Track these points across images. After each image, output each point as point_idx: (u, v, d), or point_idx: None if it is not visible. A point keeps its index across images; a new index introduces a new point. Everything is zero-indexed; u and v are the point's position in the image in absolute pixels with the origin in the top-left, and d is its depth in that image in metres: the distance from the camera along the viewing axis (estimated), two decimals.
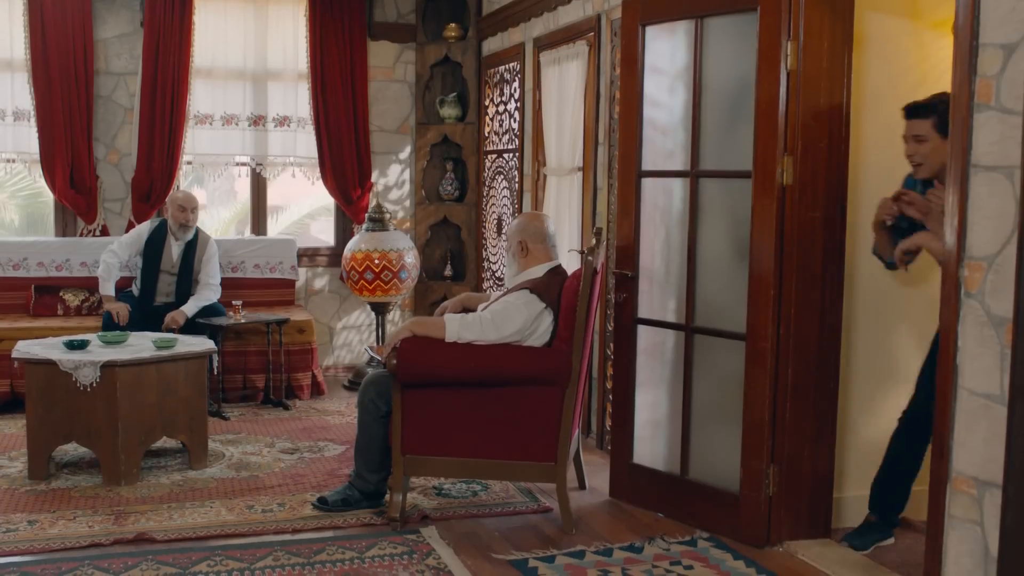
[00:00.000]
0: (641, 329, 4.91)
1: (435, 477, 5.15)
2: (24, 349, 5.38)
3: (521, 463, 4.62)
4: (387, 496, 4.72)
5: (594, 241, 4.75)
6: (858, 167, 4.54)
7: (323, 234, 9.43)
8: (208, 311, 6.81)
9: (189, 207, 6.84)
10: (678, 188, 4.75)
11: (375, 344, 7.69)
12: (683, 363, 4.69)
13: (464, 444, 4.62)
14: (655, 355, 4.89)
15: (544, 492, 5.11)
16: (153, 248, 6.84)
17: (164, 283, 6.85)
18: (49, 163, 7.29)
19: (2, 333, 6.68)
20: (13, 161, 7.47)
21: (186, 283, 6.86)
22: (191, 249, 6.89)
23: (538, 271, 4.78)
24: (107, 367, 5.12)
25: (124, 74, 7.55)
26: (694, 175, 4.61)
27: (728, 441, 4.54)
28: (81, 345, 5.37)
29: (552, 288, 4.67)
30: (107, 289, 6.75)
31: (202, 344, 5.62)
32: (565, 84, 6.31)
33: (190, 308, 6.74)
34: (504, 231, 7.50)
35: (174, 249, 6.87)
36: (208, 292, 6.91)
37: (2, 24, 7.25)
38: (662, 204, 4.86)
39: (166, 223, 6.88)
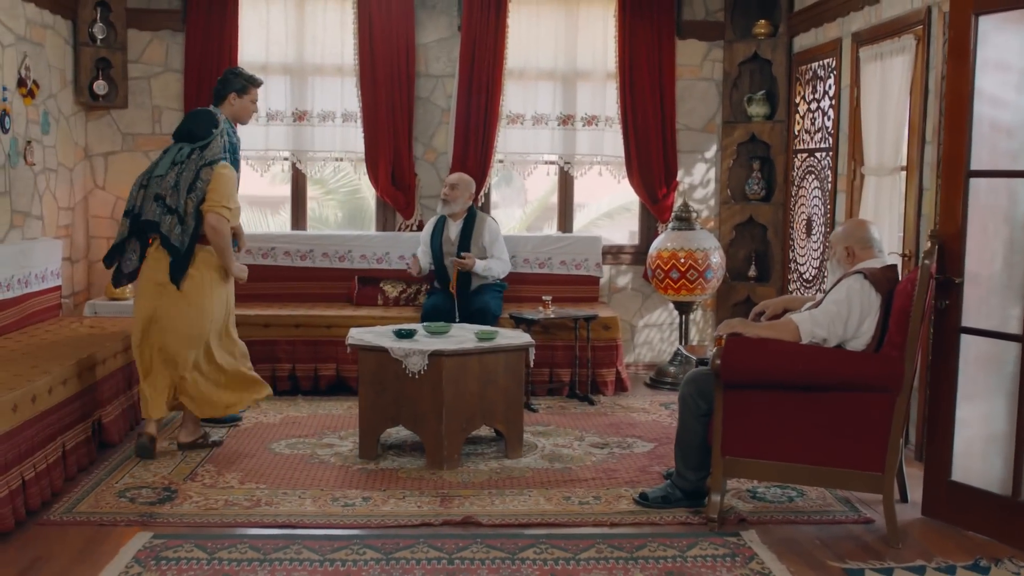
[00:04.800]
0: (970, 339, 4.60)
1: (753, 480, 5.07)
2: (357, 336, 5.72)
3: (845, 471, 4.47)
4: (707, 496, 4.68)
5: (928, 244, 4.53)
6: None
7: (617, 234, 9.48)
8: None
9: (449, 184, 7.21)
10: (1023, 189, 4.44)
11: (684, 344, 7.67)
12: (1019, 376, 4.37)
13: (786, 448, 4.52)
14: (991, 366, 4.57)
15: (863, 502, 4.92)
16: (436, 234, 7.25)
17: (448, 266, 7.12)
18: (373, 162, 7.73)
19: (329, 320, 7.13)
20: (341, 160, 7.97)
21: None
22: (469, 227, 7.15)
23: (873, 263, 4.63)
24: (434, 356, 5.36)
25: (442, 76, 7.89)
26: None
27: None
28: (409, 334, 5.65)
29: (883, 284, 4.49)
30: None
31: (520, 338, 5.78)
32: (888, 80, 6.04)
33: (480, 265, 7.04)
34: (812, 232, 7.29)
35: (452, 229, 7.20)
36: (497, 263, 7.17)
37: (334, 33, 7.75)
38: (1004, 206, 4.54)
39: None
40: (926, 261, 4.34)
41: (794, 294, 7.48)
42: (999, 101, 4.51)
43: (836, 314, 4.47)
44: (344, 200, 10.13)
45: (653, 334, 8.19)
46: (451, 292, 7.00)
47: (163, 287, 5.45)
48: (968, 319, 4.60)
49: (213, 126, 5.60)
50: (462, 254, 7.04)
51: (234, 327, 5.83)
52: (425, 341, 5.57)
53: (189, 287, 5.45)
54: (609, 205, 10.47)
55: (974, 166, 4.54)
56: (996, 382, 4.56)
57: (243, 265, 5.76)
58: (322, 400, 6.95)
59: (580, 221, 10.99)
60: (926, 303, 4.51)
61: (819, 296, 5.02)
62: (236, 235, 5.75)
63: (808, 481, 4.62)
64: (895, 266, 4.69)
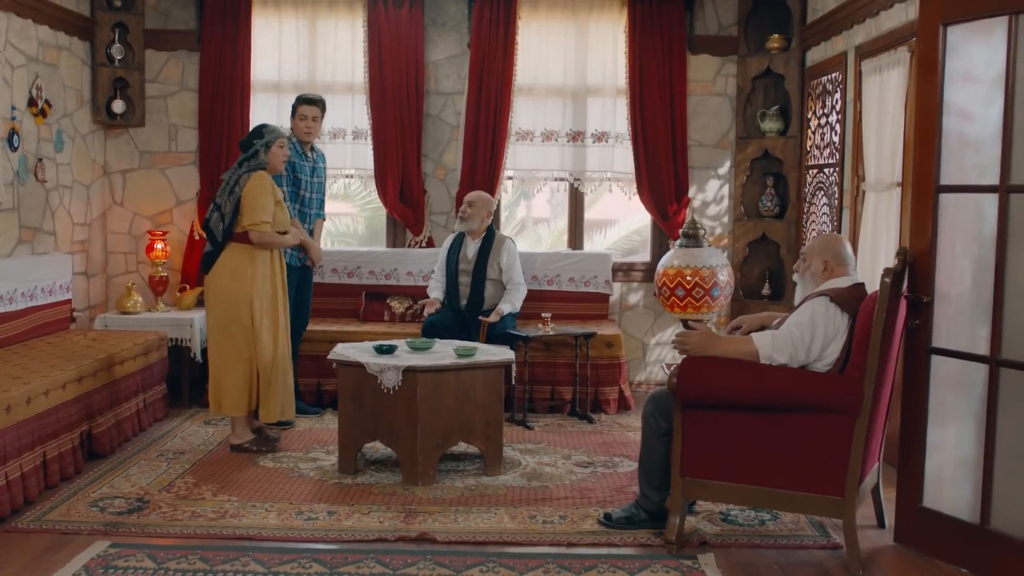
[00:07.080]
0: (941, 360, 4.44)
1: (714, 502, 4.96)
2: (339, 351, 5.75)
3: (805, 494, 4.34)
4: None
5: (895, 261, 4.40)
6: None
7: (648, 251, 9.41)
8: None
9: (467, 201, 7.19)
10: (990, 205, 4.28)
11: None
12: (986, 399, 4.22)
13: (745, 470, 4.41)
14: (961, 388, 4.41)
15: (837, 527, 4.77)
16: (453, 251, 7.24)
17: (462, 284, 7.12)
18: (382, 178, 7.78)
19: (334, 336, 7.16)
20: (351, 176, 8.03)
21: (479, 283, 7.07)
22: (486, 247, 7.12)
23: (840, 282, 4.50)
24: (408, 372, 5.36)
25: (452, 93, 7.92)
26: (1004, 189, 4.13)
27: None
28: (389, 350, 5.66)
29: (850, 304, 4.37)
30: (429, 293, 7.25)
31: (501, 354, 5.75)
32: (885, 93, 5.91)
33: (506, 307, 6.99)
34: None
35: (469, 248, 7.18)
36: (518, 292, 7.11)
37: (345, 52, 7.83)
38: (972, 223, 4.39)
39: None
40: (886, 279, 4.22)
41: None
42: (967, 114, 4.36)
43: (798, 339, 4.34)
44: (371, 216, 10.23)
45: (665, 352, 8.09)
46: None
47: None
48: (939, 339, 4.45)
49: (256, 137, 6.00)
50: (483, 320, 6.92)
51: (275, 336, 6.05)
52: (404, 357, 5.57)
53: (216, 275, 5.92)
54: (639, 222, 10.39)
55: (943, 181, 4.41)
56: (966, 404, 4.40)
57: (294, 231, 6.22)
58: (323, 414, 6.99)
59: (611, 238, 10.99)
60: (896, 323, 4.39)
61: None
62: (306, 248, 6.45)
63: (769, 504, 4.49)
64: (862, 284, 4.57)
